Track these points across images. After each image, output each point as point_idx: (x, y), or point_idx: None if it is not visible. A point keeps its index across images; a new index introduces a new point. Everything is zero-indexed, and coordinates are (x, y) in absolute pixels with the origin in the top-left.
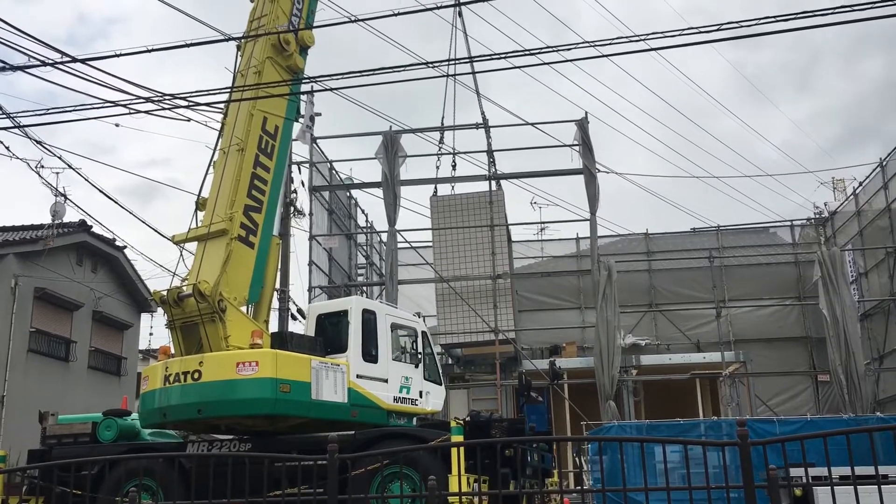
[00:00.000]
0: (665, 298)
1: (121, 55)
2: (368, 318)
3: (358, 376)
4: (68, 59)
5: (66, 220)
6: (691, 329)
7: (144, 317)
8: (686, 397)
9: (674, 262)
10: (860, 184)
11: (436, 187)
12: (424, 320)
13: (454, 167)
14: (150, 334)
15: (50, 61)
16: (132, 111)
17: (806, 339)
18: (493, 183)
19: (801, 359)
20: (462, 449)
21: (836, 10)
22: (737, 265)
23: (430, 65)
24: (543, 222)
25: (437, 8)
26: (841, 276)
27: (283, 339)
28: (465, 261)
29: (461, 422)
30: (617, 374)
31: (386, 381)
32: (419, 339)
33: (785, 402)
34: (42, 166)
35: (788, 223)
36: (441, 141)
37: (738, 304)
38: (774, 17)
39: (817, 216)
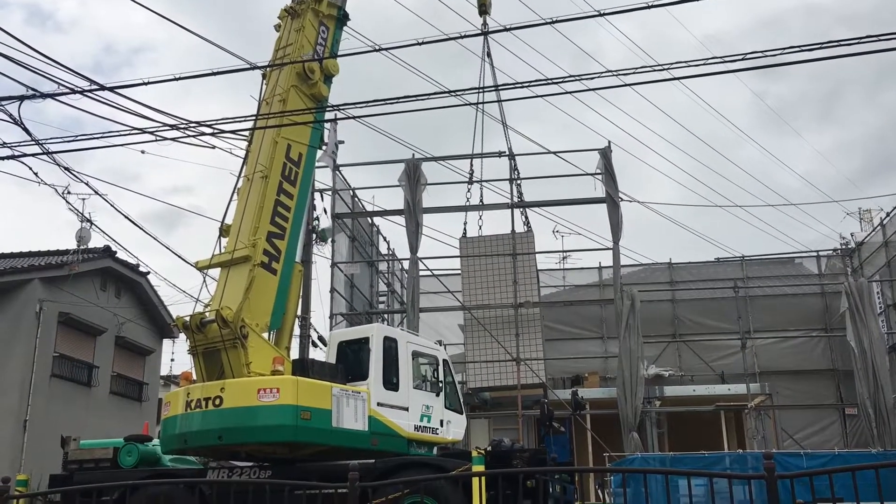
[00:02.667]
0: (689, 329)
1: (148, 83)
2: (390, 346)
3: (379, 404)
4: (97, 86)
5: (91, 245)
6: (716, 360)
7: (166, 342)
8: (711, 430)
9: (698, 291)
10: (887, 214)
11: (465, 229)
12: (446, 348)
13: (482, 202)
14: (172, 360)
15: (79, 89)
16: (158, 138)
17: (833, 372)
18: (523, 224)
19: (828, 391)
20: (483, 479)
21: (859, 41)
22: (762, 296)
23: (455, 93)
24: (566, 251)
25: (462, 37)
26: (868, 307)
27: (304, 366)
28: (491, 294)
29: (482, 451)
30: (640, 405)
31: (407, 409)
32: (440, 368)
33: (812, 436)
34: (69, 192)
35: (814, 254)
36: (471, 172)
37: (764, 335)
38: (798, 47)
39: (844, 247)
